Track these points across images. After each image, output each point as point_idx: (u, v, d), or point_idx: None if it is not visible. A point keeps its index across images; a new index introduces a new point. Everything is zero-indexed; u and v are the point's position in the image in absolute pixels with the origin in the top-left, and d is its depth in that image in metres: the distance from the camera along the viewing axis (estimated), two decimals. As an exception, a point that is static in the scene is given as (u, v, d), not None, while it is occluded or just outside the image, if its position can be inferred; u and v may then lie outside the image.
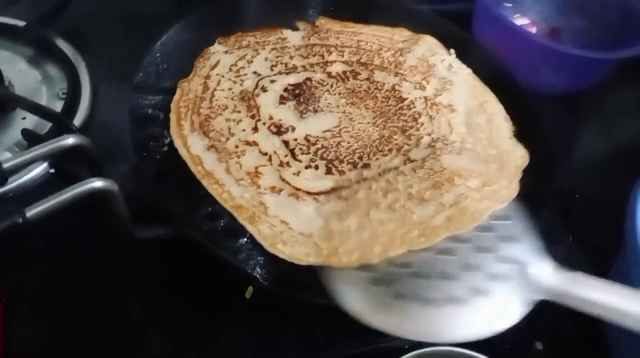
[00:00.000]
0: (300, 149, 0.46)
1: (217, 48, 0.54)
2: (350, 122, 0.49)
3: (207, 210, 0.40)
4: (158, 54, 0.50)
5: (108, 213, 0.36)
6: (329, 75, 0.53)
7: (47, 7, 0.58)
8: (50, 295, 0.42)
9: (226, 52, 0.54)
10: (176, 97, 0.48)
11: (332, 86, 0.52)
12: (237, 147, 0.45)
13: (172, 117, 0.46)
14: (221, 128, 0.46)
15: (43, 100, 0.53)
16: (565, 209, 0.55)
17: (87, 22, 0.61)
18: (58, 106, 0.52)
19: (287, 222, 0.40)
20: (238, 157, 0.44)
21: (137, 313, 0.43)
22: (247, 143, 0.45)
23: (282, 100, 0.50)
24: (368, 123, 0.50)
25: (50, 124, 0.50)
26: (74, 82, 0.54)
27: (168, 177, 0.41)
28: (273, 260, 0.39)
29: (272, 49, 0.55)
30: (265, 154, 0.45)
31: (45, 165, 0.47)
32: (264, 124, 0.47)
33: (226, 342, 0.42)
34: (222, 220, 0.40)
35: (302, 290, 0.38)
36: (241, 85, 0.50)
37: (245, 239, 0.40)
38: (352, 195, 0.43)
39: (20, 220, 0.31)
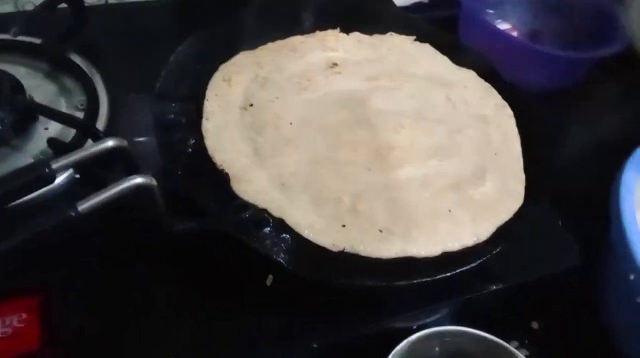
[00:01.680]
0: None
1: None
2: None
3: (233, 203, 0.44)
4: (174, 65, 0.53)
5: (147, 208, 0.39)
6: None
7: (63, 26, 0.61)
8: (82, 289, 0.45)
9: None
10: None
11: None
12: None
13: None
14: None
15: (63, 111, 0.56)
16: (555, 199, 0.59)
17: (99, 38, 0.64)
18: (79, 117, 0.55)
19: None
20: None
21: (161, 307, 0.46)
22: None
23: None
24: None
25: (73, 134, 0.53)
26: (91, 93, 0.57)
27: (195, 175, 0.45)
28: (295, 247, 0.42)
29: None
30: None
31: (70, 171, 0.50)
32: None
33: (247, 328, 0.45)
34: (247, 212, 0.43)
35: (322, 273, 0.41)
36: None
37: (269, 228, 0.43)
38: None
39: (73, 213, 0.34)
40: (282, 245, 0.42)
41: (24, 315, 0.42)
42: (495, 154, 0.52)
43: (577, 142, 0.72)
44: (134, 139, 0.56)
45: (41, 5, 0.59)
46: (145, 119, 0.52)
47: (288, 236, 0.43)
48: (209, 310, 0.45)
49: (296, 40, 0.60)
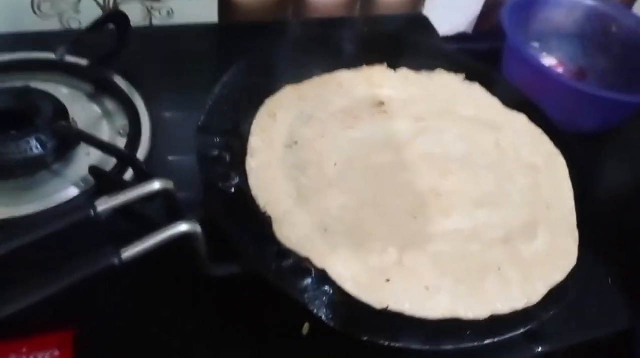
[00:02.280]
0: None
1: None
2: None
3: (275, 249, 0.43)
4: (218, 97, 0.52)
5: (189, 252, 0.38)
6: None
7: (106, 47, 0.61)
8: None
9: None
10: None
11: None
12: None
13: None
14: None
15: (105, 136, 0.56)
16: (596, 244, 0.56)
17: (143, 61, 0.64)
18: (120, 142, 0.55)
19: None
20: None
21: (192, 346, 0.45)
22: None
23: None
24: None
25: (115, 161, 0.52)
26: (134, 118, 0.57)
27: (237, 216, 0.44)
28: (336, 301, 0.41)
29: None
30: None
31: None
32: None
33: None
34: (289, 259, 0.42)
35: (365, 331, 0.40)
36: None
37: (311, 280, 0.42)
38: None
39: (117, 262, 0.33)
40: (324, 298, 0.41)
41: (57, 353, 0.41)
42: (548, 207, 0.50)
43: (620, 186, 0.70)
44: (168, 158, 0.56)
45: (89, 26, 0.59)
46: (181, 137, 0.52)
47: (330, 289, 0.41)
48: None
49: (342, 75, 0.59)
